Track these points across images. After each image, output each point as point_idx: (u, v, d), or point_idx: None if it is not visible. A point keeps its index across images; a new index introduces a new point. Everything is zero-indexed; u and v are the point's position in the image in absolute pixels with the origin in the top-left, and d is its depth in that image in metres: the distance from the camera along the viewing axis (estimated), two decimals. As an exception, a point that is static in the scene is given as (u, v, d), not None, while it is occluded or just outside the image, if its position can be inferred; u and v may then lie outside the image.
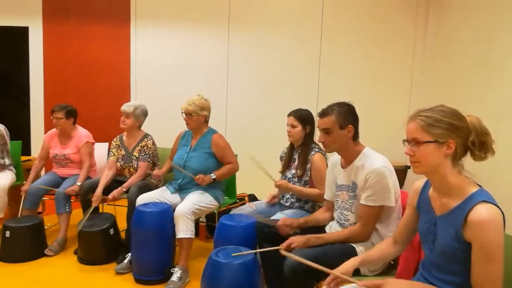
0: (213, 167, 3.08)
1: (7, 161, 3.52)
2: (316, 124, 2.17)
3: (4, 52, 6.62)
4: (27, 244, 3.15)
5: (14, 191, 3.47)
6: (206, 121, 3.16)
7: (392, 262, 2.12)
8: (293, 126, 2.77)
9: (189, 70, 4.87)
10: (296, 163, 2.79)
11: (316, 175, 2.66)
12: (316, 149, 2.73)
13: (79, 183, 3.34)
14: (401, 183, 3.93)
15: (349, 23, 4.59)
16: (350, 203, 2.10)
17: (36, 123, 5.03)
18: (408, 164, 3.91)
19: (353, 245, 2.03)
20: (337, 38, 4.62)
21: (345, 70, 4.65)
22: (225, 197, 3.31)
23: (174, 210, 2.84)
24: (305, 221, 2.31)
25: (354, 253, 1.98)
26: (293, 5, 4.66)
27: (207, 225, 3.67)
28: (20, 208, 3.31)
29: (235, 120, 4.83)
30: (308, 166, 2.72)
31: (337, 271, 1.61)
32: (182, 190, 3.11)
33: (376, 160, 2.01)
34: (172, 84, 4.88)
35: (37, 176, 3.56)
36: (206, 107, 3.11)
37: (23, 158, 3.96)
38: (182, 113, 3.06)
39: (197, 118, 3.06)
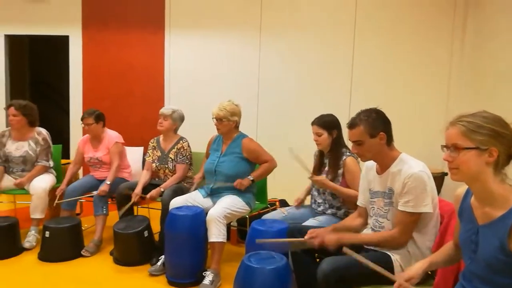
0: (245, 171, 3.10)
1: (51, 163, 3.67)
2: (347, 137, 2.12)
3: (46, 60, 6.98)
4: (65, 244, 3.26)
5: (54, 193, 3.60)
6: (237, 126, 3.19)
7: (429, 273, 2.05)
8: (318, 135, 2.74)
9: (221, 76, 4.93)
10: (326, 168, 2.76)
11: (351, 178, 2.62)
12: (348, 153, 2.70)
13: (108, 182, 3.44)
14: (438, 190, 3.80)
15: (382, 26, 4.51)
16: (385, 210, 2.05)
17: (75, 127, 5.23)
18: (446, 170, 3.80)
19: (389, 253, 1.97)
20: (370, 42, 4.55)
21: (379, 74, 4.57)
22: (256, 202, 3.31)
23: (206, 214, 2.88)
24: (333, 228, 2.26)
25: (389, 262, 1.93)
26: (325, 11, 4.64)
27: (238, 229, 3.68)
28: (53, 205, 3.43)
29: (266, 126, 4.84)
30: (340, 171, 2.68)
31: (403, 278, 1.57)
32: (214, 194, 3.14)
33: (414, 165, 1.96)
34: (204, 90, 4.95)
35: (72, 180, 3.70)
36: (237, 112, 3.14)
37: (63, 161, 4.12)
38: (213, 118, 3.10)
39: (228, 124, 3.09)
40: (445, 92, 4.45)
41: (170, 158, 3.47)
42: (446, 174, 3.89)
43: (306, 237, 2.11)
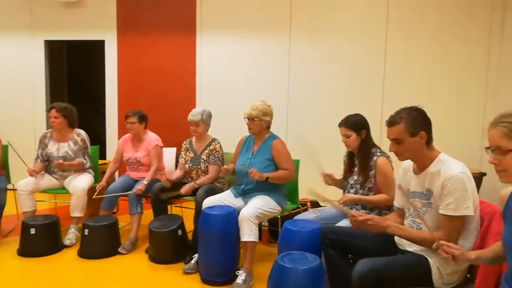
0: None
1: (88, 163, 3.81)
2: (386, 134, 2.08)
3: (84, 64, 7.24)
4: (103, 242, 3.38)
5: (92, 192, 3.73)
6: (268, 127, 3.20)
7: (468, 276, 1.99)
8: (347, 136, 2.70)
9: (251, 77, 4.96)
10: (357, 169, 2.72)
11: (382, 179, 2.58)
12: (378, 153, 2.65)
13: (145, 182, 3.53)
14: (477, 191, 3.69)
15: (415, 25, 4.41)
16: (423, 211, 2.00)
17: (110, 129, 5.40)
18: (484, 171, 3.68)
19: (426, 256, 1.93)
20: (403, 42, 4.47)
21: (413, 74, 4.47)
22: (288, 202, 3.31)
23: (238, 213, 2.90)
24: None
25: (427, 265, 1.89)
26: (356, 11, 4.58)
27: (270, 229, 3.70)
28: (94, 196, 3.57)
29: (296, 127, 4.83)
30: (372, 172, 2.64)
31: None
32: (245, 194, 3.16)
33: (453, 166, 1.90)
34: (235, 92, 5.00)
35: (112, 178, 3.82)
36: (269, 112, 3.15)
37: (100, 162, 4.26)
38: (244, 118, 3.13)
39: (259, 123, 3.10)
40: (482, 90, 4.30)
41: (203, 159, 3.53)
42: (484, 174, 3.76)
43: (354, 213, 2.03)
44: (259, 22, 4.87)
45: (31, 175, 3.55)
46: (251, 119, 3.10)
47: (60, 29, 5.36)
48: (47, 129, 3.93)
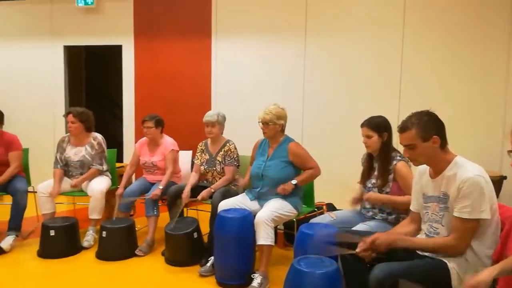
0: (291, 175, 3.10)
1: (104, 167, 3.87)
2: (398, 140, 2.06)
3: (101, 69, 7.37)
4: (120, 244, 3.42)
5: (109, 195, 3.79)
6: (283, 130, 3.20)
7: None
8: (368, 137, 2.66)
9: (266, 80, 4.97)
10: (376, 172, 2.69)
11: (404, 183, 2.55)
12: (398, 157, 2.61)
13: (161, 187, 3.56)
14: (496, 195, 3.61)
15: (433, 26, 4.35)
16: (440, 215, 1.98)
17: (127, 132, 5.47)
18: (504, 174, 3.60)
19: (445, 260, 1.90)
20: (420, 44, 4.40)
21: (430, 76, 4.40)
22: (303, 206, 3.30)
23: (254, 216, 2.91)
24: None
25: (445, 270, 1.86)
26: (372, 11, 4.55)
27: (285, 232, 3.69)
28: (115, 210, 3.62)
29: (311, 130, 4.82)
30: (391, 176, 2.61)
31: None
32: (261, 197, 3.16)
33: (470, 169, 1.87)
34: (250, 95, 5.01)
35: (129, 181, 3.87)
36: (283, 116, 3.15)
37: (117, 165, 4.32)
38: (259, 122, 3.14)
39: (274, 127, 3.11)
40: (502, 93, 4.21)
41: (218, 160, 3.55)
42: (505, 178, 3.68)
43: (358, 250, 2.02)
44: (274, 25, 4.88)
45: (52, 196, 3.63)
46: (265, 123, 3.11)
47: (79, 34, 5.47)
48: (66, 133, 4.00)
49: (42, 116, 5.62)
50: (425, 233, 2.09)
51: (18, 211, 3.60)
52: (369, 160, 2.78)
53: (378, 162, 2.68)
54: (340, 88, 4.73)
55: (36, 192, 3.73)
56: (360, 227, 2.57)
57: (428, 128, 1.93)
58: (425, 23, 4.38)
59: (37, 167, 4.42)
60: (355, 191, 2.86)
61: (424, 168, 2.11)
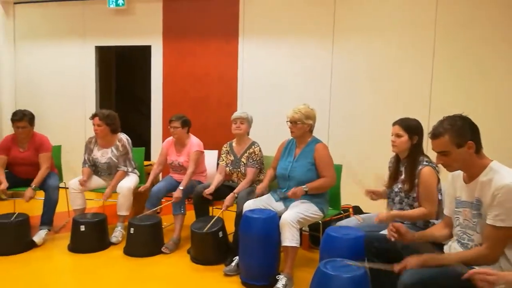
0: (317, 177, 3.06)
1: (129, 168, 3.93)
2: (431, 147, 2.00)
3: (130, 69, 7.52)
4: (147, 241, 3.47)
5: (137, 192, 3.86)
6: (311, 131, 3.17)
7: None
8: (398, 136, 2.60)
9: (293, 81, 4.95)
10: (402, 176, 2.62)
11: (423, 191, 2.47)
12: (425, 162, 2.53)
13: (181, 188, 3.59)
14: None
15: (465, 27, 4.23)
16: (474, 222, 1.91)
17: (155, 131, 5.57)
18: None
19: (477, 268, 1.83)
20: (452, 44, 4.29)
21: (463, 78, 4.28)
22: (329, 208, 3.27)
23: (279, 217, 2.90)
24: (419, 237, 2.16)
25: (478, 278, 1.79)
26: (403, 11, 4.46)
27: (311, 234, 3.66)
28: (145, 208, 3.68)
29: (338, 132, 4.77)
30: (417, 181, 2.53)
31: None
32: (286, 198, 3.14)
33: (506, 175, 1.80)
34: (276, 95, 5.01)
35: (156, 180, 3.93)
36: (312, 116, 3.12)
37: (145, 163, 4.40)
38: (287, 121, 3.12)
39: (302, 127, 3.08)
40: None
41: (242, 162, 3.56)
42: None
43: (392, 224, 2.04)
44: (302, 27, 4.85)
45: (81, 184, 3.74)
46: (293, 122, 3.08)
47: (110, 35, 5.61)
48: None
49: (74, 114, 5.79)
50: (457, 239, 2.03)
51: (50, 206, 3.72)
52: (396, 163, 2.71)
53: (405, 166, 2.61)
54: (367, 90, 4.66)
55: (67, 188, 3.84)
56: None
57: (462, 133, 1.86)
58: (458, 23, 4.26)
59: (69, 164, 4.57)
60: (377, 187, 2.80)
61: (459, 171, 2.04)
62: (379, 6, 4.54)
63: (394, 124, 2.65)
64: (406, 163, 2.61)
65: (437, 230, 2.19)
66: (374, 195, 2.75)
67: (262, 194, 3.26)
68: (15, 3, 5.86)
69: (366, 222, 2.76)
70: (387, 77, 4.56)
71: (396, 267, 1.90)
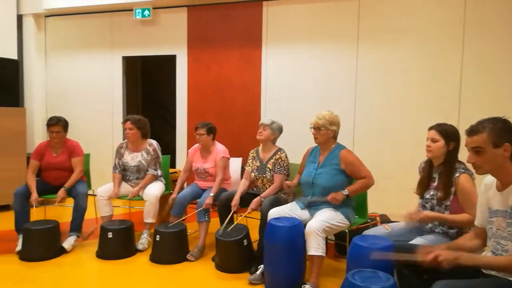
0: (342, 183, 3.02)
1: (159, 172, 4.01)
2: (464, 143, 1.94)
3: (156, 78, 7.68)
4: (172, 248, 3.49)
5: (163, 200, 3.91)
6: (335, 137, 3.13)
7: None
8: (433, 140, 2.53)
9: (317, 88, 4.92)
10: (436, 183, 2.54)
11: (464, 198, 2.38)
12: (462, 169, 2.45)
13: (212, 194, 3.62)
14: None
15: (495, 28, 4.10)
16: (508, 231, 1.83)
17: (180, 139, 5.64)
18: None
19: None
20: (482, 45, 4.16)
21: (493, 79, 4.15)
22: (356, 216, 3.21)
23: (304, 226, 2.86)
24: (448, 247, 2.08)
25: (516, 291, 1.72)
26: (429, 12, 4.37)
27: (336, 243, 3.60)
28: (170, 215, 3.71)
29: (364, 138, 4.70)
30: (453, 189, 2.45)
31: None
32: (311, 206, 3.11)
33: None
34: (300, 102, 4.99)
35: (182, 187, 3.97)
36: (336, 122, 3.09)
37: (170, 170, 4.45)
38: (310, 128, 3.09)
39: (326, 133, 3.05)
40: None
41: (268, 168, 3.55)
42: None
43: (419, 252, 1.94)
44: (326, 33, 4.83)
45: (114, 195, 3.85)
46: (317, 128, 3.06)
47: (136, 45, 5.74)
48: (124, 139, 4.19)
49: (102, 123, 5.94)
50: (491, 250, 1.95)
51: (79, 213, 3.81)
52: (428, 169, 2.63)
53: (440, 173, 2.53)
54: (394, 95, 4.58)
55: (95, 195, 3.93)
56: (418, 241, 2.44)
57: (502, 134, 1.81)
58: (487, 22, 4.14)
59: (97, 172, 4.67)
60: (413, 205, 2.72)
61: (491, 180, 1.97)
62: (404, 9, 4.48)
63: (430, 128, 2.59)
64: (441, 169, 2.52)
65: (467, 240, 2.12)
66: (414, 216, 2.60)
67: (288, 196, 3.23)
68: (46, 16, 6.09)
69: (395, 231, 2.68)
70: (415, 81, 4.47)
71: (430, 255, 1.83)
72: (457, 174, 2.44)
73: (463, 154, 2.55)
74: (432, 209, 2.54)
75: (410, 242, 2.40)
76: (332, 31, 4.80)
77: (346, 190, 2.94)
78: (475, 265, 1.82)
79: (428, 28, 4.39)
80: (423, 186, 2.62)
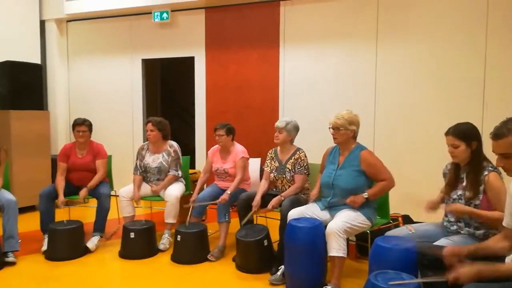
0: (363, 185, 2.98)
1: (180, 173, 4.05)
2: (491, 149, 1.89)
3: (175, 79, 7.75)
4: (193, 248, 3.53)
5: (183, 200, 3.94)
6: (355, 137, 3.09)
7: None
8: (454, 146, 2.45)
9: (335, 87, 4.88)
10: (464, 183, 2.48)
11: (495, 196, 2.32)
12: (490, 168, 2.38)
13: (229, 192, 3.63)
14: None
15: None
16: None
17: (199, 140, 5.68)
18: None
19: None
20: (505, 42, 4.05)
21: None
22: (377, 217, 3.16)
23: (325, 226, 2.84)
24: (476, 249, 2.03)
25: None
26: (450, 10, 4.28)
27: (357, 244, 3.56)
28: (189, 215, 3.75)
29: (384, 138, 4.64)
30: (481, 188, 2.38)
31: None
32: (332, 207, 3.08)
33: None
34: (318, 102, 4.96)
35: (202, 188, 4.00)
36: (355, 121, 3.05)
37: (190, 171, 4.49)
38: (329, 128, 3.06)
39: (345, 133, 3.01)
40: None
41: (288, 168, 3.53)
42: None
43: (445, 252, 1.94)
44: (344, 31, 4.79)
45: (135, 198, 3.91)
46: (336, 128, 3.02)
47: (155, 48, 5.82)
48: (144, 141, 4.25)
49: (123, 125, 6.05)
50: (520, 252, 1.90)
51: (102, 213, 3.88)
52: (455, 170, 2.56)
53: (468, 172, 2.46)
54: (415, 94, 4.50)
55: (117, 196, 3.99)
56: (443, 242, 2.38)
57: None
58: (509, 24, 4.03)
59: (119, 173, 4.75)
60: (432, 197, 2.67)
61: (519, 180, 1.91)
62: (424, 7, 4.39)
63: (446, 134, 2.51)
64: (469, 169, 2.46)
65: (495, 242, 2.05)
66: (432, 206, 2.61)
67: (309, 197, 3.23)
68: (67, 21, 6.23)
69: (418, 232, 2.63)
70: (436, 80, 4.39)
71: (450, 277, 1.81)
72: (485, 173, 2.37)
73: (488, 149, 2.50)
74: (459, 208, 2.48)
75: (435, 243, 2.35)
76: (350, 29, 4.75)
77: (366, 193, 2.90)
78: (500, 276, 1.76)
79: (449, 24, 4.30)
80: (451, 186, 2.56)
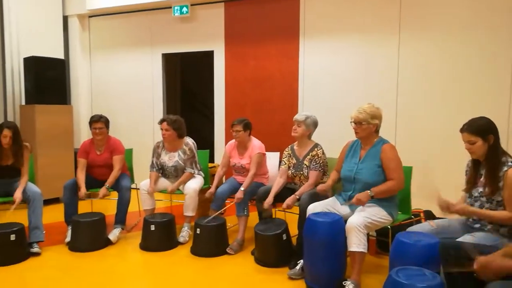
0: (385, 179, 2.91)
1: (195, 171, 4.05)
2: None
3: (194, 73, 7.79)
4: (212, 241, 3.55)
5: (202, 194, 3.97)
6: (377, 131, 3.02)
7: None
8: (471, 143, 2.37)
9: (356, 81, 4.81)
10: (482, 179, 2.40)
11: (509, 194, 2.24)
12: (510, 163, 2.30)
13: (242, 189, 3.63)
14: None
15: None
16: None
17: (218, 134, 5.70)
18: None
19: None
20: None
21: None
22: (399, 212, 3.11)
23: (345, 221, 2.81)
24: (504, 254, 1.94)
25: None
26: (475, 3, 4.14)
27: (378, 239, 3.52)
28: (210, 209, 3.77)
29: (406, 132, 4.55)
30: (501, 184, 2.30)
31: None
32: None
33: None
34: (338, 96, 4.90)
35: (220, 182, 4.01)
36: (378, 115, 2.98)
37: (209, 165, 4.51)
38: (351, 122, 3.01)
39: (367, 127, 2.95)
40: None
41: (305, 164, 3.50)
42: None
43: (476, 266, 1.81)
44: (365, 25, 4.70)
45: (150, 190, 3.93)
46: (358, 122, 2.96)
47: (175, 42, 5.85)
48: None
49: (144, 119, 6.12)
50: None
51: (123, 206, 3.95)
52: (475, 166, 2.49)
53: (486, 168, 2.39)
54: (438, 88, 4.40)
55: (138, 189, 4.05)
56: (466, 238, 2.33)
57: None
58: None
59: (140, 166, 4.82)
60: (458, 198, 2.60)
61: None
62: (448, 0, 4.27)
63: (461, 131, 2.43)
64: (488, 165, 2.39)
65: None
66: (447, 206, 2.45)
67: (324, 194, 3.18)
68: (89, 16, 6.33)
69: (441, 228, 2.57)
70: (460, 73, 4.27)
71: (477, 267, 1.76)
72: (505, 168, 2.29)
73: (503, 145, 2.41)
74: (481, 207, 2.40)
75: (458, 239, 2.29)
76: (372, 21, 4.66)
77: (371, 191, 2.82)
78: None
79: (474, 18, 4.16)
80: (471, 184, 2.49)
